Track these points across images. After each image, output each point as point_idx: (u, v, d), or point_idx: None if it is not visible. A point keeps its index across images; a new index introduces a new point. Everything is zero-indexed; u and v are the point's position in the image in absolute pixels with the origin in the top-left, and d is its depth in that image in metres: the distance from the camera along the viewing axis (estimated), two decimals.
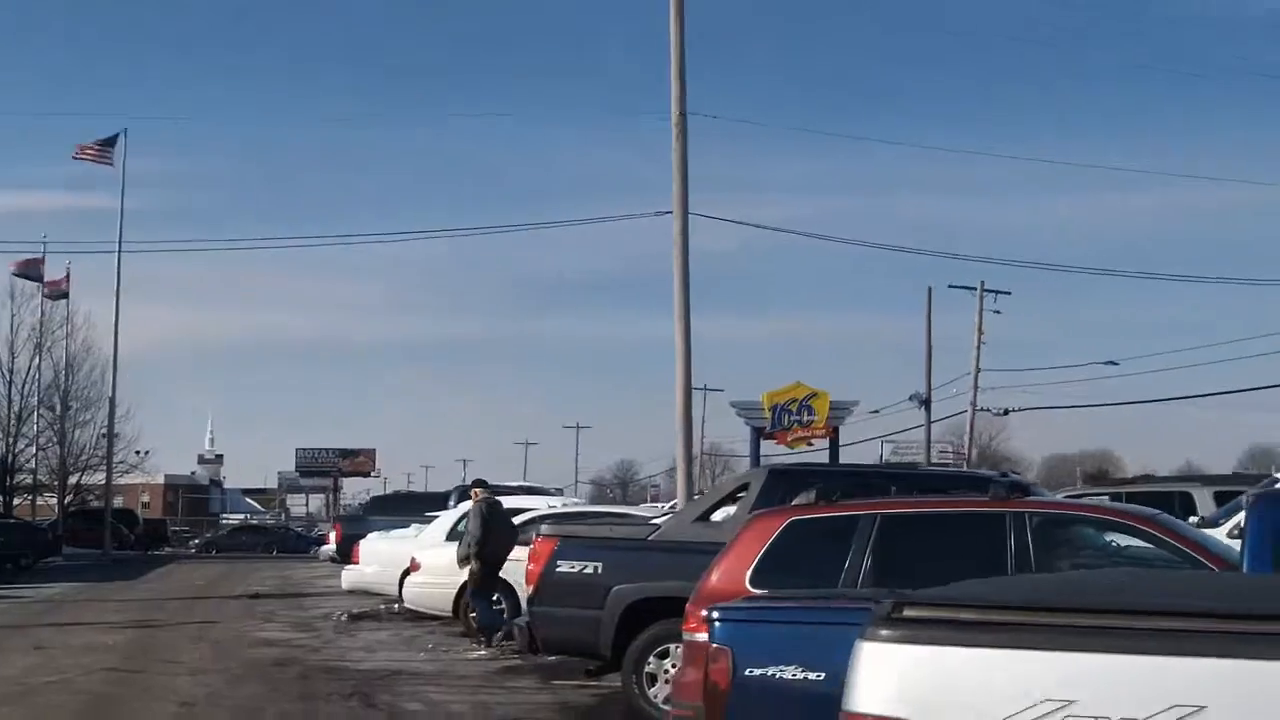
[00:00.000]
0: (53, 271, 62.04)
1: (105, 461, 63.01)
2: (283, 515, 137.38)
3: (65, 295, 63.43)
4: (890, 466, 17.75)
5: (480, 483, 23.25)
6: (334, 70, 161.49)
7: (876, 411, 76.04)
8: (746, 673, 8.02)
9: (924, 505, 11.74)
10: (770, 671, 7.98)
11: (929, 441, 68.09)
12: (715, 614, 8.45)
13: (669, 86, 31.40)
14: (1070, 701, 3.75)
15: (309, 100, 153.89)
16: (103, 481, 64.44)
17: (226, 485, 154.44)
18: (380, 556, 25.96)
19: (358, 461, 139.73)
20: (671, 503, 39.18)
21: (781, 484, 14.70)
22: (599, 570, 14.72)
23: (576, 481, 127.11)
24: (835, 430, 69.46)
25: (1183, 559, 10.42)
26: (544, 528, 15.71)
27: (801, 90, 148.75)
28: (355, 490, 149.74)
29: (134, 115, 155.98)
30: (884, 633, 4.11)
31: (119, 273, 59.94)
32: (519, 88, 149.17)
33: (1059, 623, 3.87)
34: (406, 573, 24.97)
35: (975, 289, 66.11)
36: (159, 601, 30.02)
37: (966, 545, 11.00)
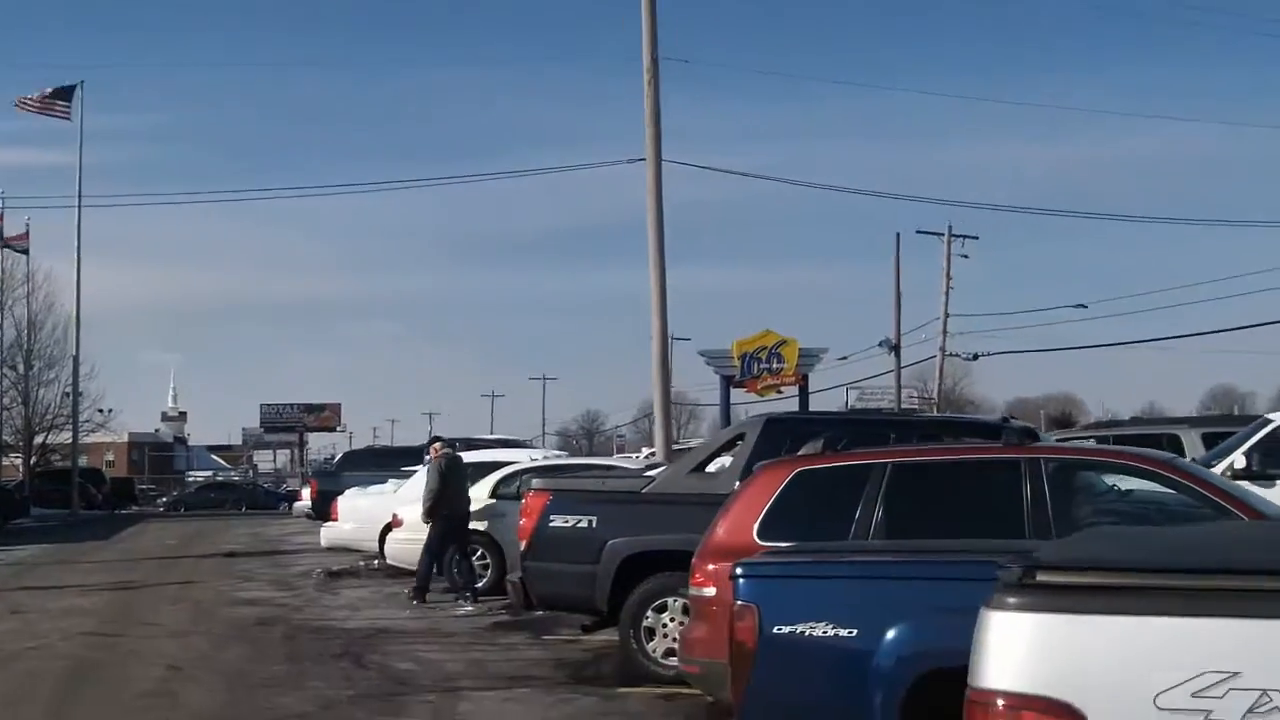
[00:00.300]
0: (12, 226, 61.17)
1: (70, 421, 62.41)
2: (251, 472, 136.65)
3: (26, 251, 62.60)
4: (889, 414, 17.46)
5: (438, 439, 23.07)
6: (292, 21, 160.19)
7: (845, 358, 75.91)
8: (774, 630, 7.69)
9: (936, 453, 11.43)
10: (799, 629, 7.65)
11: (899, 387, 67.95)
12: (740, 570, 8.11)
13: (640, 32, 31.02)
14: (1233, 673, 3.43)
15: (264, 52, 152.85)
16: (68, 441, 63.89)
17: (191, 442, 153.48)
18: (359, 513, 25.59)
19: (323, 417, 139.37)
20: (649, 452, 38.95)
21: (778, 434, 14.38)
22: (593, 524, 14.38)
23: (544, 434, 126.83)
24: (805, 378, 69.28)
25: (1207, 505, 10.12)
26: (535, 482, 15.35)
27: (768, 38, 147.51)
28: (321, 445, 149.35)
29: (91, 66, 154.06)
30: (1014, 600, 3.77)
31: (79, 228, 59.44)
32: (477, 39, 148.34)
33: (1214, 586, 3.54)
34: (387, 529, 24.65)
35: (943, 234, 65.94)
36: (133, 562, 29.63)
37: (981, 494, 10.72)
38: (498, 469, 23.99)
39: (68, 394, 63.20)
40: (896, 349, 66.42)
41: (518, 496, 21.17)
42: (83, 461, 67.20)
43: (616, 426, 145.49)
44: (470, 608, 19.90)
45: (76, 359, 61.14)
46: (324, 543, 26.42)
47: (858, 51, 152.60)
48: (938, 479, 10.94)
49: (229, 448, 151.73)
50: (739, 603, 7.94)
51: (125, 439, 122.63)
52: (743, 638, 7.82)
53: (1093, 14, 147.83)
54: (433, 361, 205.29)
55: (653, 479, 14.89)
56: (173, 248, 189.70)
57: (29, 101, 57.09)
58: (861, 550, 9.20)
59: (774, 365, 67.34)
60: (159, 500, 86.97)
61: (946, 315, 66.41)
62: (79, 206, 58.11)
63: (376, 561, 26.63)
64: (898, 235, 66.35)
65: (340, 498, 26.26)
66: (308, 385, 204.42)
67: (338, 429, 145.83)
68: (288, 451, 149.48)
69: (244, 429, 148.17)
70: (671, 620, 13.90)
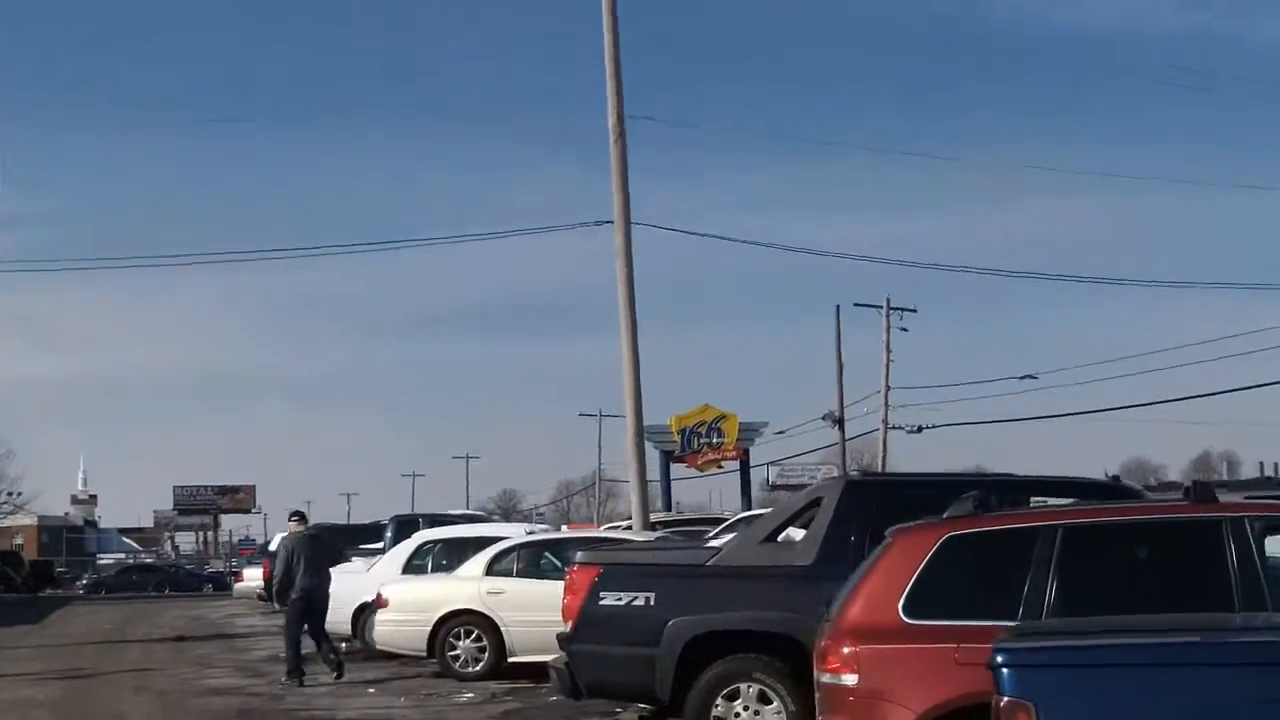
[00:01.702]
0: None
1: None
2: (173, 554, 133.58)
3: None
4: (985, 475, 15.80)
5: (296, 513, 21.86)
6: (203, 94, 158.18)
7: (782, 432, 74.70)
8: None
9: (1114, 514, 9.72)
10: None
11: (844, 460, 66.53)
12: (1004, 656, 6.36)
13: (605, 92, 29.38)
14: None
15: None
16: None
17: (102, 525, 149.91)
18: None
19: (237, 498, 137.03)
20: (626, 523, 37.13)
21: (860, 497, 12.71)
22: (651, 601, 12.59)
23: (467, 511, 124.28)
24: (745, 451, 68.23)
25: None
26: (581, 555, 13.48)
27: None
28: (234, 527, 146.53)
29: None
30: None
31: None
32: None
33: None
34: (361, 610, 22.80)
35: (881, 306, 64.82)
36: (75, 647, 27.38)
37: (1174, 560, 9.04)
38: (489, 544, 22.21)
39: None
40: (840, 422, 65.06)
41: (513, 573, 19.56)
42: None
43: (536, 506, 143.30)
44: (470, 694, 18.03)
45: None
46: None
47: (807, 115, 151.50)
48: (1120, 544, 9.25)
49: (140, 530, 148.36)
50: (1006, 699, 6.19)
51: (34, 522, 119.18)
52: None
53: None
54: (346, 441, 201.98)
55: (717, 550, 13.06)
56: (74, 328, 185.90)
57: None
58: (1158, 629, 7.35)
59: (714, 439, 66.11)
60: (77, 583, 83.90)
61: (888, 388, 65.16)
62: None
63: (344, 645, 24.65)
64: (837, 308, 65.10)
65: None
66: (219, 465, 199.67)
67: (252, 510, 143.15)
68: (199, 534, 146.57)
69: (155, 511, 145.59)
70: (745, 709, 12.25)
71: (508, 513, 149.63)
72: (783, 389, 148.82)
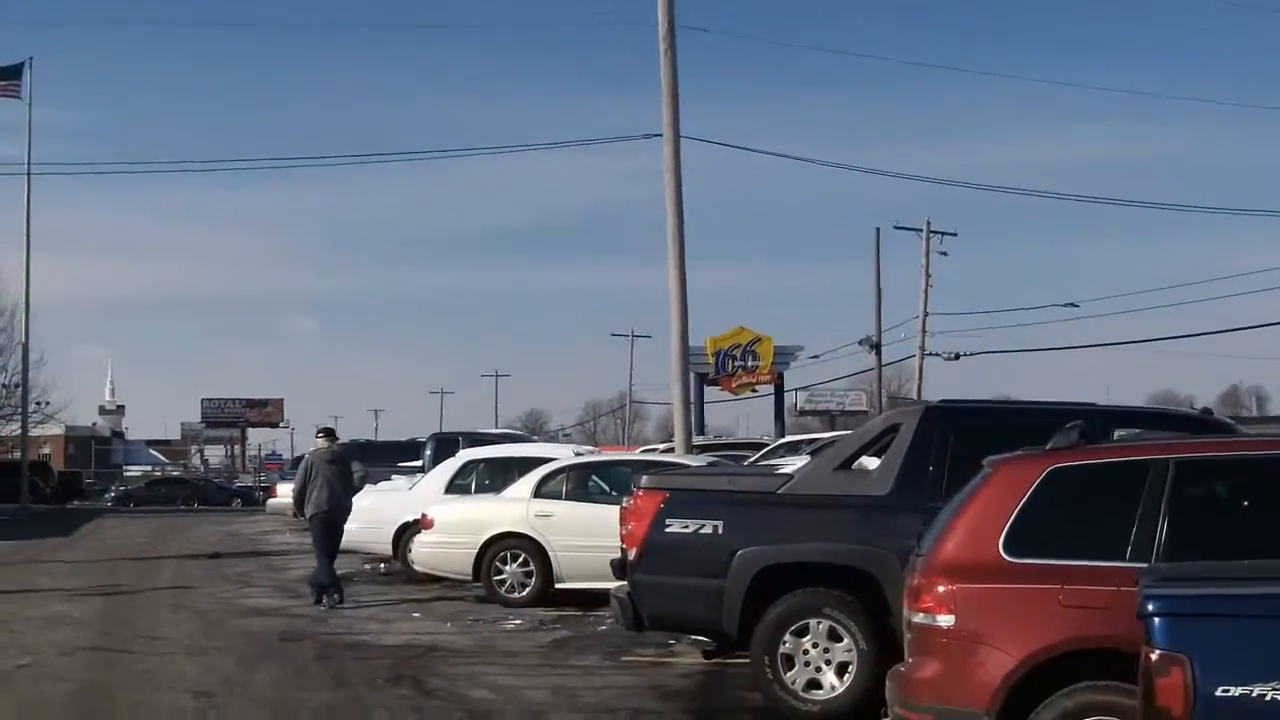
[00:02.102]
0: None
1: (19, 411, 59.44)
2: (203, 467, 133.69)
3: None
4: (1069, 405, 15.15)
5: (324, 431, 21.46)
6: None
7: (817, 357, 74.14)
8: (1219, 693, 5.37)
9: (1235, 448, 9.12)
10: (1257, 692, 5.33)
11: (879, 386, 66.07)
12: (1158, 604, 5.77)
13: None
14: None
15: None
16: (12, 433, 61.06)
17: (128, 436, 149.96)
18: (367, 512, 23.06)
19: (265, 412, 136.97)
20: (662, 445, 36.60)
21: (939, 424, 12.10)
22: (719, 530, 12.03)
23: (507, 430, 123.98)
24: (780, 376, 67.65)
25: None
26: (645, 479, 12.87)
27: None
28: (260, 441, 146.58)
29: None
30: None
31: (29, 204, 56.97)
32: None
33: None
34: (403, 530, 22.45)
35: (921, 230, 64.03)
36: (109, 562, 27.00)
37: None
38: (534, 465, 21.70)
39: (15, 385, 60.06)
40: (878, 348, 64.43)
41: (563, 496, 19.05)
42: (16, 455, 63.97)
43: (562, 427, 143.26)
44: (518, 620, 17.55)
45: (26, 346, 58.27)
46: None
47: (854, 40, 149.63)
48: (1240, 480, 8.63)
49: (167, 442, 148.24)
50: (1158, 652, 5.61)
51: (61, 431, 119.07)
52: (1167, 702, 5.50)
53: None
54: (373, 359, 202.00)
55: (788, 477, 12.46)
56: (105, 241, 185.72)
57: None
58: None
59: (749, 363, 65.50)
60: (105, 495, 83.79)
61: (925, 313, 64.44)
62: (29, 173, 55.62)
63: (384, 565, 24.27)
64: (877, 230, 64.47)
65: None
66: (245, 381, 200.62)
67: (280, 425, 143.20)
68: (224, 447, 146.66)
69: (183, 423, 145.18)
70: (814, 646, 11.71)
71: (534, 432, 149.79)
72: (818, 314, 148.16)
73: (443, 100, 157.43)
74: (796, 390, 79.71)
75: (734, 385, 66.15)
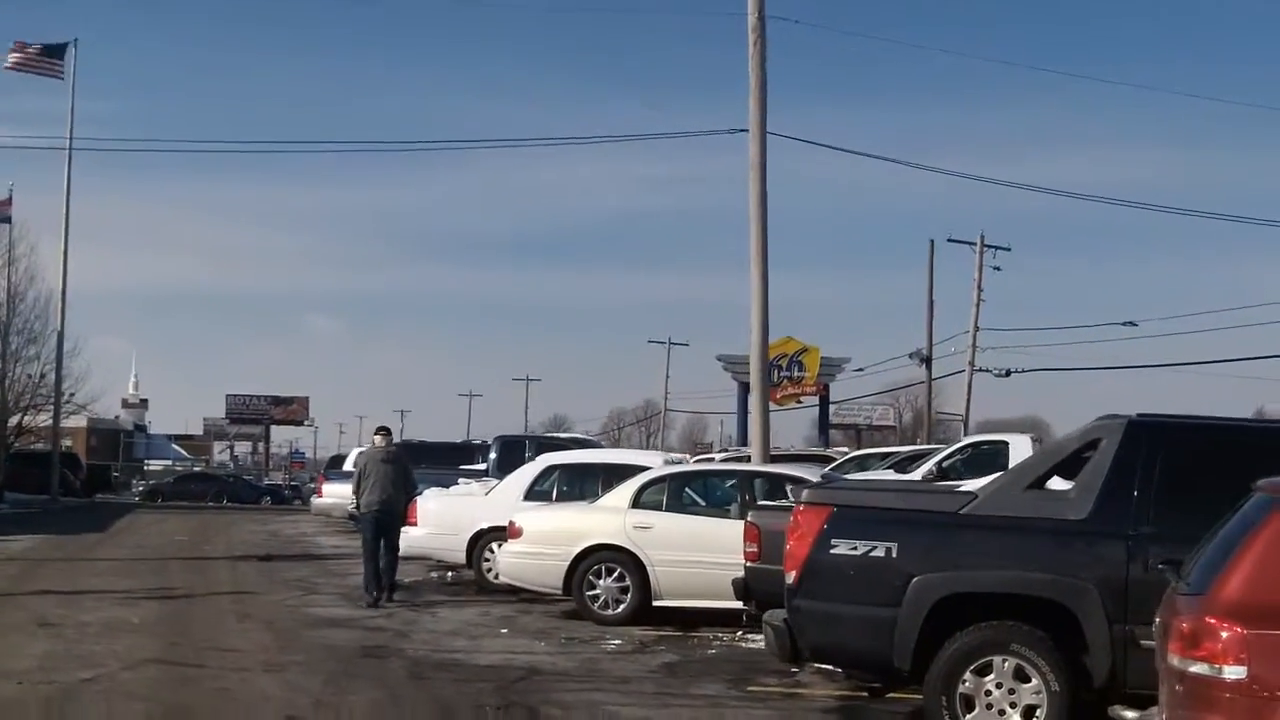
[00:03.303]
0: None
1: (52, 400, 58.07)
2: (232, 463, 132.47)
3: (9, 220, 58.18)
4: (1272, 420, 13.71)
5: (382, 429, 21.29)
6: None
7: (861, 370, 72.66)
8: None
9: None
10: None
11: (930, 400, 64.51)
12: None
13: None
14: None
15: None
16: (42, 423, 59.81)
17: (151, 430, 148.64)
18: (437, 516, 21.74)
19: (290, 409, 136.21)
20: (723, 453, 35.24)
21: (1145, 440, 10.67)
22: (893, 553, 10.61)
23: (576, 435, 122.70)
24: (826, 387, 66.23)
25: None
26: (808, 493, 11.40)
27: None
28: (284, 439, 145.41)
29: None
30: None
31: (68, 188, 55.71)
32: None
33: None
34: (477, 537, 21.10)
35: (974, 244, 62.69)
36: (156, 562, 25.59)
37: None
38: (619, 472, 20.36)
39: (42, 375, 58.65)
40: (928, 361, 62.89)
41: (663, 507, 17.68)
42: (43, 445, 62.57)
43: (587, 433, 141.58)
44: (619, 641, 16.13)
45: (61, 335, 56.98)
46: (401, 551, 22.50)
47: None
48: None
49: (190, 437, 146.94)
50: None
51: (84, 424, 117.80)
52: None
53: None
54: (399, 359, 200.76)
55: (971, 495, 11.00)
56: (131, 233, 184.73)
57: (26, 57, 53.33)
58: None
59: (795, 373, 64.04)
60: (132, 489, 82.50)
61: (976, 328, 62.99)
62: (70, 149, 54.52)
63: (450, 574, 22.88)
64: (931, 242, 62.98)
65: (419, 499, 22.34)
66: (269, 378, 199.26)
67: (305, 423, 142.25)
68: (253, 444, 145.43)
69: (205, 419, 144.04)
70: (998, 687, 10.37)
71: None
72: (862, 326, 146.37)
73: (485, 103, 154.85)
74: (797, 404, 77.93)
75: (779, 396, 64.54)
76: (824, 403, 66.64)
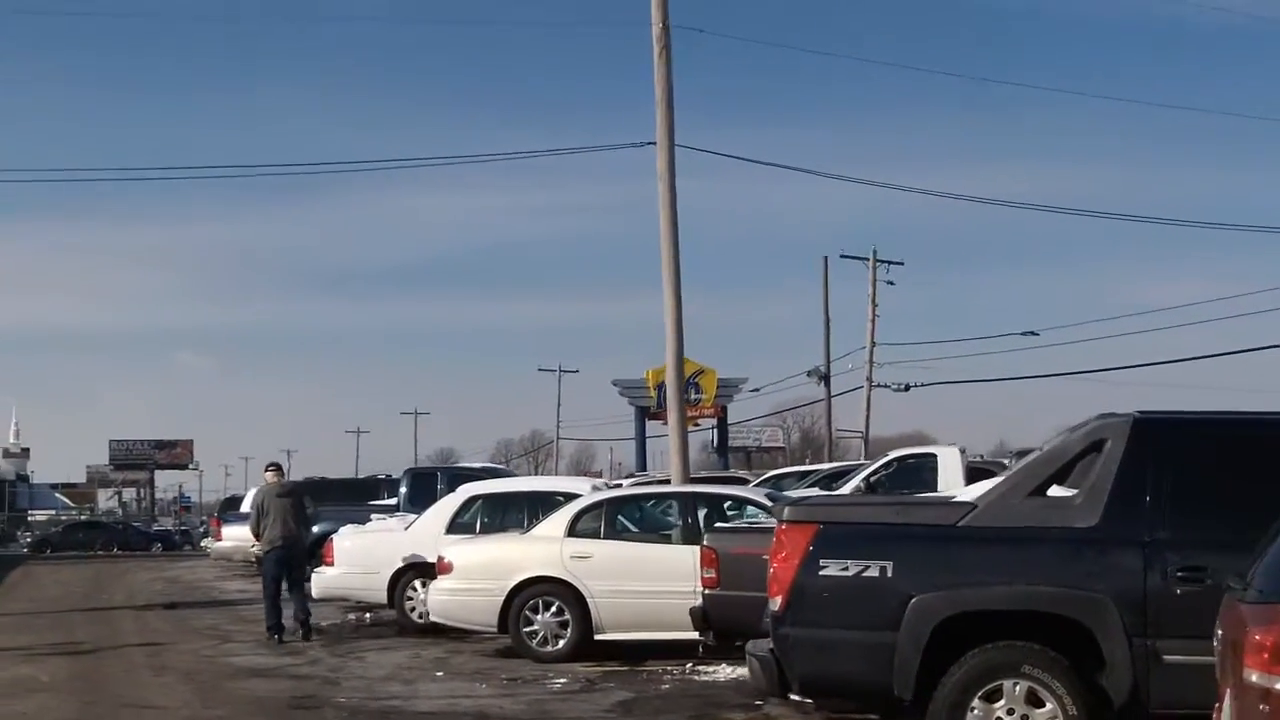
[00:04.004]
0: None
1: None
2: (121, 510, 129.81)
3: None
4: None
5: (273, 466, 21.51)
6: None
7: (758, 390, 72.19)
8: None
9: None
10: None
11: (829, 418, 63.99)
12: None
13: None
14: None
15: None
16: None
17: (34, 479, 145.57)
18: (357, 555, 20.65)
19: (175, 453, 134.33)
20: (629, 479, 34.34)
21: (1152, 439, 9.91)
22: (888, 571, 9.73)
23: (488, 465, 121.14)
24: (723, 409, 65.61)
25: None
26: (790, 510, 10.45)
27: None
28: (168, 484, 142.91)
29: None
30: None
31: None
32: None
33: None
34: (398, 575, 20.03)
35: (867, 259, 62.49)
36: (56, 615, 24.18)
37: None
38: (548, 501, 19.45)
39: None
40: (826, 378, 62.46)
41: (600, 534, 16.74)
42: None
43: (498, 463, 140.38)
44: (563, 680, 15.14)
45: None
46: (317, 592, 21.37)
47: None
48: None
49: (74, 485, 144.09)
50: None
51: None
52: None
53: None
54: (280, 398, 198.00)
55: (970, 506, 10.13)
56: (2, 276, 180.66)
57: None
58: None
59: (692, 395, 63.13)
60: (19, 540, 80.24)
61: (873, 344, 62.67)
62: None
63: (369, 615, 21.78)
64: (825, 259, 62.89)
65: (335, 537, 21.27)
66: (150, 421, 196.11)
67: (190, 466, 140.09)
68: (138, 490, 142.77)
69: (88, 466, 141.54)
70: (1009, 714, 9.55)
71: None
72: (758, 347, 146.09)
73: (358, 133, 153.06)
74: (714, 426, 77.31)
75: None
76: (722, 424, 66.09)
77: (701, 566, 14.35)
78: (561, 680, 15.14)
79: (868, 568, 9.78)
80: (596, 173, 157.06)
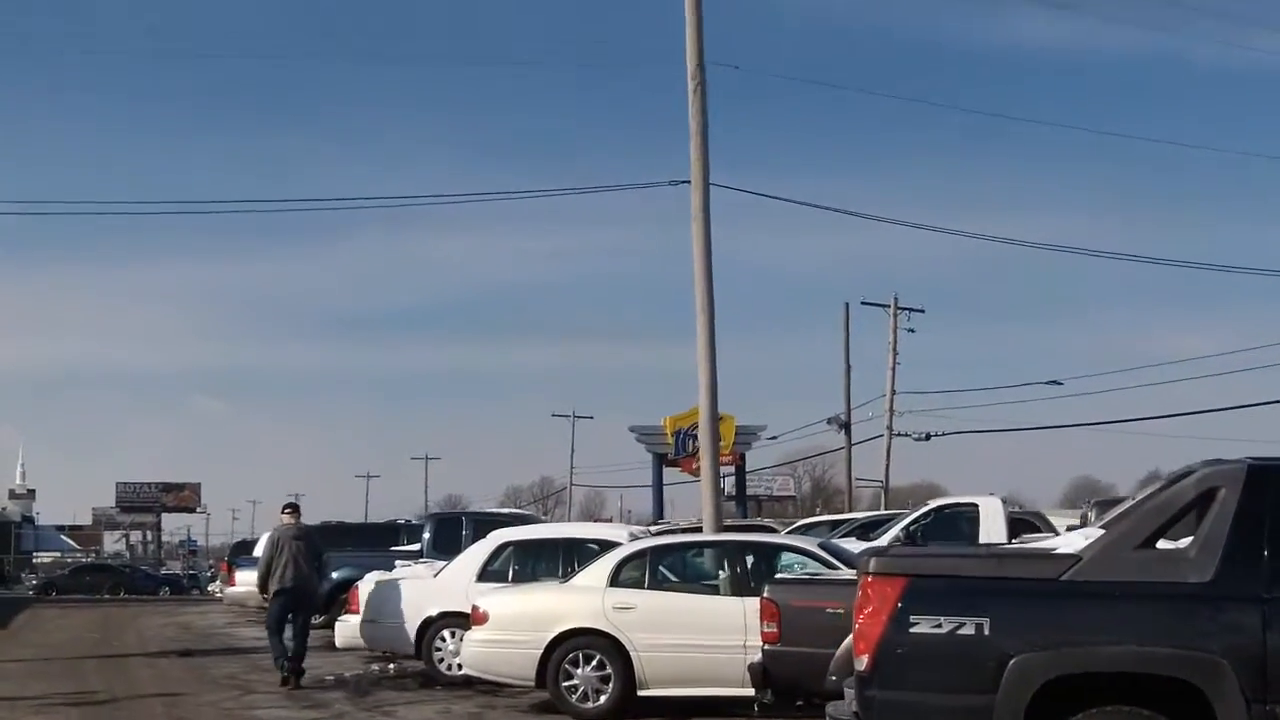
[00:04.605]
0: None
1: None
2: (128, 554, 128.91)
3: None
4: None
5: (289, 507, 20.83)
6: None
7: (775, 438, 71.43)
8: None
9: None
10: None
11: (849, 466, 63.15)
12: None
13: (683, 36, 26.02)
14: None
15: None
16: None
17: (39, 521, 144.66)
18: (382, 603, 19.86)
19: (182, 496, 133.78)
20: (656, 526, 33.54)
21: (1269, 488, 9.10)
22: (985, 629, 8.93)
23: (408, 519, 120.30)
24: (742, 456, 64.67)
25: None
26: (877, 561, 9.64)
27: None
28: (174, 527, 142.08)
29: None
30: None
31: None
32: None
33: None
34: (425, 625, 19.29)
35: (888, 306, 61.99)
36: (67, 662, 23.25)
37: None
38: (583, 549, 18.71)
39: None
40: (847, 426, 61.85)
41: (645, 584, 15.93)
42: None
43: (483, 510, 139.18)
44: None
45: None
46: (340, 641, 20.57)
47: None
48: None
49: (79, 528, 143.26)
50: None
51: None
52: None
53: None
54: (289, 442, 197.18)
55: (1074, 558, 9.32)
56: (9, 317, 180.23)
57: None
58: None
59: None
60: (25, 583, 79.33)
61: (893, 392, 62.05)
62: None
63: (392, 666, 20.94)
64: (846, 305, 62.49)
65: (360, 584, 20.45)
66: (158, 464, 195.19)
67: (197, 509, 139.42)
68: (144, 533, 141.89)
69: (94, 508, 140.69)
70: None
71: None
72: (775, 394, 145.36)
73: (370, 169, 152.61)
74: (732, 474, 76.75)
75: (694, 467, 62.88)
76: (740, 472, 65.18)
77: (762, 620, 13.52)
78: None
79: (962, 624, 8.98)
80: (613, 217, 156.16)
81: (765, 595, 13.57)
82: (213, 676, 20.74)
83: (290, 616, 19.95)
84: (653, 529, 28.96)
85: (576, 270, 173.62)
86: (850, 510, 54.98)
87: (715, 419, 25.81)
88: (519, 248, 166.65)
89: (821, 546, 16.71)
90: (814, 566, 15.59)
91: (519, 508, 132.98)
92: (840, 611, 12.85)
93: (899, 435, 62.16)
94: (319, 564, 20.42)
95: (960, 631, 8.98)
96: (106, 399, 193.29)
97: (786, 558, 16.32)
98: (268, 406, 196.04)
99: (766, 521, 38.92)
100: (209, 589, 68.40)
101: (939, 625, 9.02)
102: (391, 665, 21.02)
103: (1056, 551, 9.74)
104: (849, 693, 10.20)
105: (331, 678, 20.17)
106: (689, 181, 26.13)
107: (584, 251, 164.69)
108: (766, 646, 13.39)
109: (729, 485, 78.53)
